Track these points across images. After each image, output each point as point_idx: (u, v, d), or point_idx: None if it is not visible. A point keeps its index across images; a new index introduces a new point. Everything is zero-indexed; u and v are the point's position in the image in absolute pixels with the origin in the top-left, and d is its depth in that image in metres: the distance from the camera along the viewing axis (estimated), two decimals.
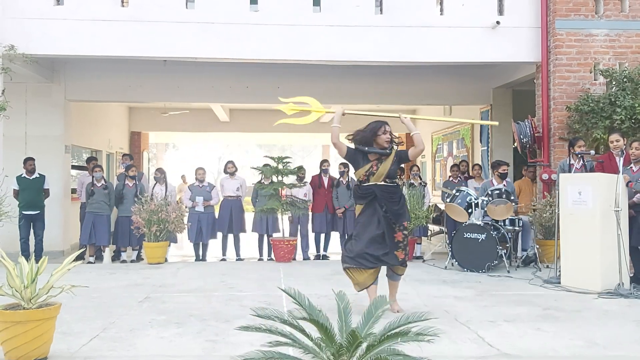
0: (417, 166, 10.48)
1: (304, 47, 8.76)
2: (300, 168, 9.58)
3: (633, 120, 7.85)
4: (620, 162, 6.13)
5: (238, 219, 9.61)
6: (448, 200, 8.48)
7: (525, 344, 4.16)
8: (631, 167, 6.54)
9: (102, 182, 9.36)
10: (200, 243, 9.55)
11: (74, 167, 11.63)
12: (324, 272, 7.66)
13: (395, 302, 5.19)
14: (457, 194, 8.20)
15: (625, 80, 8.15)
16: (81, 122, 11.83)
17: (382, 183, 5.04)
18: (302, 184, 9.41)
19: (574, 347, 4.09)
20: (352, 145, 5.24)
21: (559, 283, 6.51)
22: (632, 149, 6.55)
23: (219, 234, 9.71)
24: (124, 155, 11.13)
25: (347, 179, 9.79)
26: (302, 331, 2.64)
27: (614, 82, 8.22)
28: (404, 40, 8.82)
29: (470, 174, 10.64)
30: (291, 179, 9.21)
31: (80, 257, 9.02)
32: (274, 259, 8.95)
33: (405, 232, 5.16)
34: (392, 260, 5.08)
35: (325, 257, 9.78)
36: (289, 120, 5.48)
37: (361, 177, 5.11)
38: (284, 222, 9.24)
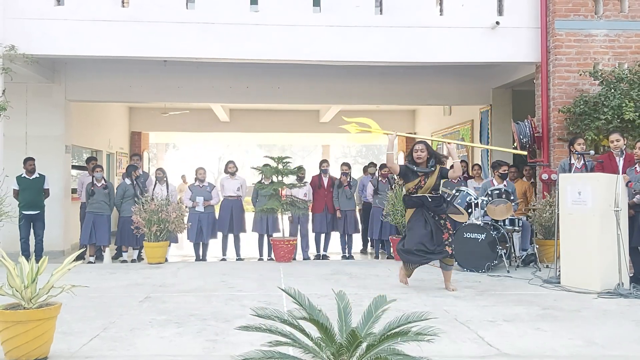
0: None
1: (304, 47, 8.77)
2: (300, 168, 9.58)
3: (619, 120, 7.87)
4: (620, 162, 6.13)
5: (238, 219, 9.62)
6: (448, 200, 8.48)
7: (525, 343, 4.16)
8: (635, 168, 6.54)
9: (103, 182, 9.37)
10: (201, 243, 9.56)
11: (74, 167, 11.63)
12: (324, 272, 7.67)
13: (450, 284, 6.33)
14: (457, 194, 8.20)
15: (615, 80, 8.17)
16: (81, 122, 11.83)
17: (430, 195, 6.12)
18: (302, 184, 9.42)
19: (573, 346, 4.10)
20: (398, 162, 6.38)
21: (559, 283, 6.51)
22: (636, 149, 6.55)
23: (219, 234, 9.72)
24: (133, 155, 11.13)
25: (348, 180, 9.80)
26: (302, 331, 2.64)
27: (604, 83, 8.24)
28: (404, 41, 8.83)
29: (470, 174, 10.65)
30: (291, 179, 9.22)
31: (80, 257, 9.04)
32: (274, 259, 8.96)
33: (450, 232, 6.24)
34: (443, 254, 6.14)
35: (325, 257, 9.79)
36: (350, 128, 6.86)
37: (410, 189, 6.19)
38: (284, 222, 9.25)
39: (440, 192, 6.30)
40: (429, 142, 6.39)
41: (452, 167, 6.22)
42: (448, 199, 8.40)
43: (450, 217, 6.41)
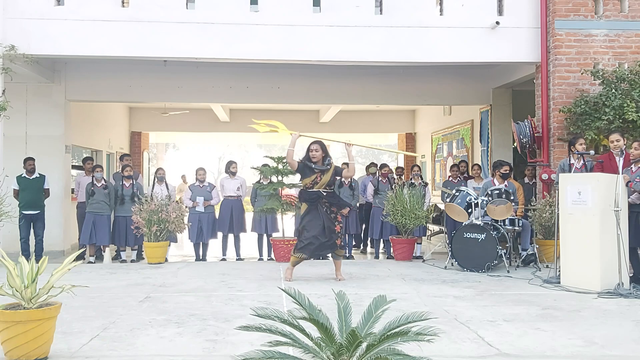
0: (418, 166, 10.49)
1: (304, 47, 8.77)
2: None
3: (621, 120, 7.87)
4: (620, 162, 6.13)
5: (238, 219, 9.61)
6: (448, 200, 8.48)
7: (525, 343, 4.16)
8: (631, 168, 6.54)
9: (103, 182, 9.36)
10: (201, 243, 9.56)
11: (74, 167, 11.63)
12: (324, 272, 7.67)
13: (340, 274, 6.94)
14: (457, 194, 8.21)
15: (616, 80, 8.17)
16: (81, 122, 11.83)
17: (323, 190, 6.72)
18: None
19: (573, 346, 4.10)
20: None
21: (559, 283, 6.52)
22: (631, 149, 6.56)
23: (219, 234, 9.71)
24: (123, 155, 11.14)
25: (349, 180, 9.79)
26: (302, 331, 2.64)
27: (605, 83, 8.24)
28: (404, 41, 8.83)
29: (470, 174, 10.65)
30: (292, 178, 9.20)
31: (80, 257, 9.04)
32: (274, 259, 8.95)
33: (341, 224, 6.96)
34: (334, 247, 6.79)
35: (325, 257, 9.78)
36: (259, 127, 7.42)
37: (307, 184, 6.74)
38: (283, 222, 9.24)
39: (333, 189, 6.98)
40: (325, 143, 6.96)
41: (347, 164, 6.94)
42: (448, 199, 8.42)
43: (340, 211, 6.98)
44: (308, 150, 6.81)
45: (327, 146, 7.05)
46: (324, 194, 6.72)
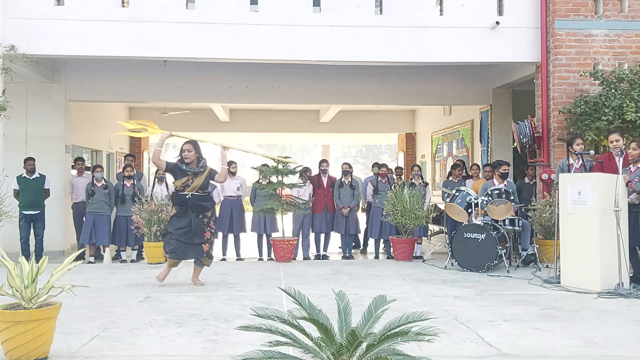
0: (418, 166, 10.50)
1: (304, 47, 8.77)
2: (307, 169, 9.59)
3: (620, 120, 7.87)
4: (619, 162, 6.13)
5: (238, 219, 9.61)
6: (448, 200, 8.48)
7: (525, 343, 4.16)
8: (630, 168, 6.54)
9: (103, 182, 9.36)
10: None
11: (74, 167, 11.61)
12: (324, 272, 7.67)
13: (197, 279, 6.60)
14: (457, 194, 8.21)
15: (616, 80, 8.17)
16: (81, 122, 11.83)
17: (196, 193, 6.30)
18: (304, 184, 9.43)
19: (573, 346, 4.10)
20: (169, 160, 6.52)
21: (559, 283, 6.51)
22: (630, 149, 6.56)
23: (219, 234, 9.71)
24: (127, 155, 11.14)
25: (349, 180, 9.80)
26: (302, 331, 2.64)
27: (604, 83, 8.24)
28: (404, 41, 8.82)
29: (469, 174, 10.63)
30: (291, 179, 9.20)
31: (80, 257, 9.03)
32: (274, 259, 8.96)
33: (212, 231, 6.50)
34: (198, 251, 6.38)
35: (325, 257, 9.79)
36: (127, 133, 6.97)
37: (178, 186, 6.32)
38: (283, 222, 9.24)
39: (208, 192, 6.58)
40: (199, 143, 6.50)
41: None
42: (448, 199, 8.42)
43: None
44: (181, 150, 6.37)
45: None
46: (195, 198, 6.28)
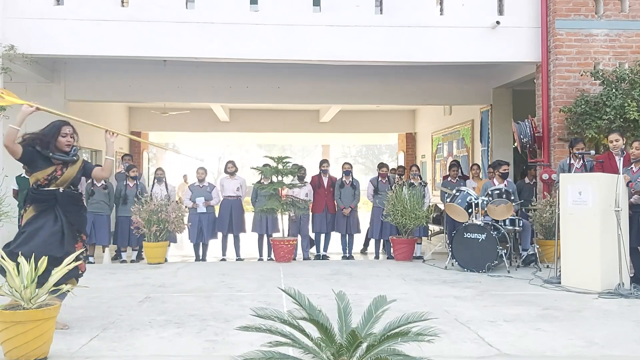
0: (417, 166, 10.48)
1: (304, 47, 8.76)
2: (301, 168, 9.58)
3: (622, 120, 7.87)
4: (620, 162, 6.13)
5: (238, 219, 9.61)
6: (448, 200, 8.47)
7: (525, 343, 4.15)
8: (631, 168, 6.54)
9: (102, 182, 9.35)
10: (201, 243, 9.55)
11: None
12: (324, 272, 7.67)
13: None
14: (457, 194, 8.20)
15: (617, 80, 8.17)
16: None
17: (67, 189, 4.64)
18: (302, 184, 9.42)
19: (573, 346, 4.09)
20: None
21: (559, 283, 6.50)
22: (632, 149, 6.55)
23: (219, 234, 9.71)
24: (124, 155, 11.13)
25: (350, 179, 9.79)
26: (302, 331, 2.64)
27: (605, 83, 8.24)
28: (404, 41, 8.82)
29: (464, 174, 10.63)
30: (291, 179, 9.20)
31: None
32: (274, 259, 8.95)
33: (86, 245, 4.85)
34: (72, 273, 4.29)
35: (325, 257, 9.78)
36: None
37: (41, 180, 4.58)
38: (283, 222, 9.24)
39: (79, 189, 4.84)
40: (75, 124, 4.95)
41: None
42: (448, 199, 8.41)
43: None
44: (54, 135, 4.67)
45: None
46: (65, 194, 4.60)
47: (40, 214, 4.52)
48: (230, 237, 9.65)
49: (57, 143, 4.63)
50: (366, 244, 11.00)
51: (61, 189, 4.58)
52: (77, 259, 4.26)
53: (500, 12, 8.97)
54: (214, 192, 9.70)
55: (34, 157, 4.59)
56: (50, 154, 4.58)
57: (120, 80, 10.89)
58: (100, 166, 4.92)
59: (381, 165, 10.10)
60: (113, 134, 4.82)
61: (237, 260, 9.48)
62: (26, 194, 4.68)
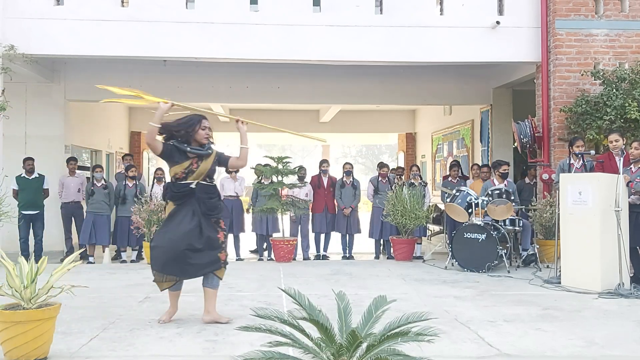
0: (417, 166, 10.48)
1: (304, 47, 8.76)
2: (301, 168, 9.58)
3: (623, 120, 7.87)
4: (620, 162, 6.13)
5: (238, 219, 9.60)
6: (448, 200, 8.47)
7: (525, 343, 4.15)
8: (630, 168, 6.54)
9: (102, 182, 9.36)
10: None
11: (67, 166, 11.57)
12: (324, 272, 7.66)
13: (216, 312, 4.77)
14: (457, 194, 8.19)
15: (617, 80, 8.17)
16: (81, 122, 11.82)
17: (202, 182, 4.74)
18: (302, 184, 9.42)
19: (573, 346, 4.09)
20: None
21: (559, 283, 6.50)
22: (631, 149, 6.55)
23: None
24: (125, 155, 11.12)
25: (351, 179, 9.79)
26: (302, 331, 2.63)
27: (605, 83, 8.24)
28: (404, 40, 8.82)
29: (464, 174, 10.62)
30: (291, 179, 9.21)
31: (83, 257, 9.03)
32: (274, 259, 8.95)
33: (225, 232, 4.94)
34: (215, 264, 4.71)
35: (325, 257, 9.78)
36: (118, 100, 5.40)
37: (178, 174, 4.70)
38: (283, 222, 9.24)
39: (214, 182, 4.93)
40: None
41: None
42: (448, 199, 8.41)
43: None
44: (194, 127, 4.73)
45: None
46: (200, 187, 4.72)
47: (180, 207, 4.68)
48: (230, 237, 9.64)
49: (197, 135, 4.72)
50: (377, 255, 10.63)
51: (197, 182, 4.69)
52: (218, 248, 4.65)
53: (500, 12, 8.97)
54: None
55: (172, 152, 4.71)
56: (188, 148, 4.70)
57: (120, 81, 10.83)
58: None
59: (382, 165, 10.10)
60: (244, 122, 4.95)
61: (237, 260, 9.48)
62: (165, 188, 4.90)
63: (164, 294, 6.01)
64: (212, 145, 4.82)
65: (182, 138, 4.71)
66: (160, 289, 4.80)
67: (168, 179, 10.15)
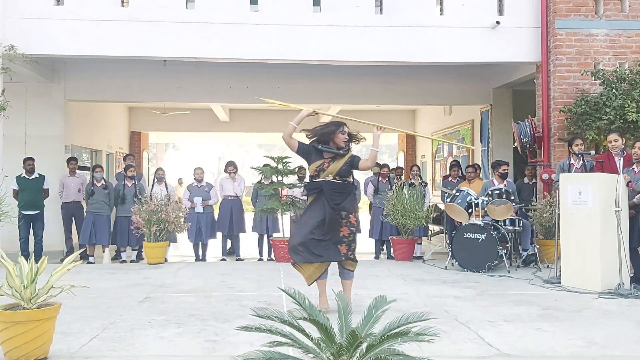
0: (417, 166, 10.48)
1: (304, 47, 8.76)
2: (301, 168, 9.58)
3: (622, 120, 7.87)
4: (619, 162, 6.13)
5: (238, 219, 9.60)
6: (448, 200, 8.47)
7: (526, 344, 4.15)
8: (633, 168, 6.53)
9: (102, 182, 9.35)
10: (200, 243, 9.55)
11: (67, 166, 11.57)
12: None
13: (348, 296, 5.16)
14: (457, 194, 8.19)
15: (617, 80, 8.17)
16: (81, 122, 11.82)
17: (332, 179, 5.12)
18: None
19: (573, 346, 4.09)
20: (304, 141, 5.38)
21: (559, 283, 6.50)
22: (634, 149, 6.54)
23: (219, 234, 9.70)
24: (126, 155, 11.12)
25: (350, 179, 9.77)
26: (302, 331, 2.63)
27: (605, 83, 8.24)
28: (404, 40, 8.82)
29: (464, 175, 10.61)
30: (291, 178, 9.21)
31: (83, 257, 9.03)
32: (274, 259, 8.94)
33: (352, 229, 5.22)
34: (334, 255, 5.11)
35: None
36: (271, 100, 6.09)
37: (312, 172, 5.21)
38: (284, 222, 9.24)
39: (347, 180, 5.28)
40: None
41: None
42: (448, 199, 8.41)
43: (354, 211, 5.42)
44: (335, 132, 5.20)
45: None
46: (328, 183, 5.12)
47: (313, 202, 5.22)
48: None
49: (336, 139, 5.19)
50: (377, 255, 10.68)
51: (325, 180, 5.12)
52: (340, 242, 5.10)
53: (500, 12, 8.97)
54: (212, 192, 9.69)
55: (309, 151, 5.24)
56: (321, 146, 5.20)
57: (120, 80, 10.88)
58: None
59: (382, 165, 10.10)
60: (380, 128, 5.44)
61: (237, 260, 9.48)
62: (305, 185, 5.58)
63: (164, 295, 6.04)
64: (349, 150, 5.28)
65: (322, 139, 5.21)
66: (308, 284, 5.21)
67: (169, 179, 10.20)
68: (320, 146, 5.19)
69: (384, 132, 5.49)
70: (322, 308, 5.05)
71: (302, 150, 5.26)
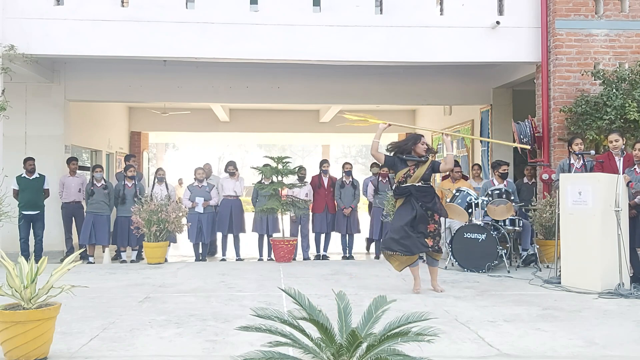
0: None
1: (304, 47, 8.76)
2: (301, 168, 9.58)
3: (622, 120, 7.87)
4: (620, 162, 6.12)
5: (238, 219, 9.60)
6: (448, 200, 8.46)
7: (525, 344, 4.15)
8: (635, 169, 6.53)
9: (102, 182, 9.35)
10: (200, 243, 9.55)
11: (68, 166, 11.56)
12: (324, 272, 7.66)
13: (437, 283, 6.26)
14: (457, 194, 8.19)
15: (617, 80, 8.17)
16: (81, 122, 11.82)
17: (418, 184, 5.99)
18: (302, 184, 9.41)
19: (573, 346, 4.09)
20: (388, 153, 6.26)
21: (559, 283, 6.50)
22: (635, 150, 6.53)
23: (219, 234, 9.69)
24: (127, 155, 11.11)
25: (350, 179, 9.79)
26: (302, 331, 2.63)
27: (605, 83, 8.24)
28: (404, 41, 8.82)
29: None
30: (291, 179, 9.21)
31: (83, 257, 9.03)
32: (274, 259, 8.95)
33: (437, 225, 6.14)
34: (424, 247, 5.98)
35: (325, 257, 9.78)
36: (351, 123, 6.69)
37: (400, 178, 6.08)
38: (284, 222, 9.24)
39: (430, 184, 6.15)
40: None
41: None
42: (448, 199, 8.41)
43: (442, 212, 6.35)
44: (415, 143, 6.05)
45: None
46: (417, 189, 5.97)
47: (403, 204, 6.07)
48: (230, 237, 9.64)
49: (417, 148, 6.06)
50: (368, 247, 10.96)
51: (412, 185, 5.99)
52: (427, 236, 5.99)
53: (500, 12, 8.97)
54: (213, 192, 9.69)
55: (395, 162, 6.16)
56: (404, 156, 6.07)
57: (120, 80, 10.88)
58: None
59: (381, 166, 10.09)
60: (447, 135, 6.42)
61: (237, 260, 9.48)
62: (394, 189, 6.35)
63: (164, 295, 6.04)
64: (429, 156, 6.12)
65: (405, 150, 6.07)
66: (398, 270, 6.14)
67: (169, 179, 10.21)
68: (404, 156, 6.06)
69: (450, 137, 6.46)
70: (415, 290, 6.10)
71: (388, 162, 6.22)
